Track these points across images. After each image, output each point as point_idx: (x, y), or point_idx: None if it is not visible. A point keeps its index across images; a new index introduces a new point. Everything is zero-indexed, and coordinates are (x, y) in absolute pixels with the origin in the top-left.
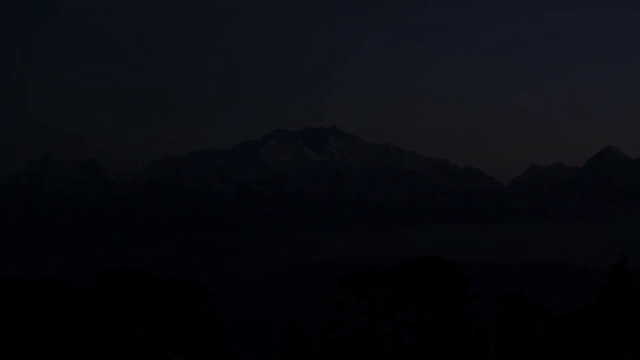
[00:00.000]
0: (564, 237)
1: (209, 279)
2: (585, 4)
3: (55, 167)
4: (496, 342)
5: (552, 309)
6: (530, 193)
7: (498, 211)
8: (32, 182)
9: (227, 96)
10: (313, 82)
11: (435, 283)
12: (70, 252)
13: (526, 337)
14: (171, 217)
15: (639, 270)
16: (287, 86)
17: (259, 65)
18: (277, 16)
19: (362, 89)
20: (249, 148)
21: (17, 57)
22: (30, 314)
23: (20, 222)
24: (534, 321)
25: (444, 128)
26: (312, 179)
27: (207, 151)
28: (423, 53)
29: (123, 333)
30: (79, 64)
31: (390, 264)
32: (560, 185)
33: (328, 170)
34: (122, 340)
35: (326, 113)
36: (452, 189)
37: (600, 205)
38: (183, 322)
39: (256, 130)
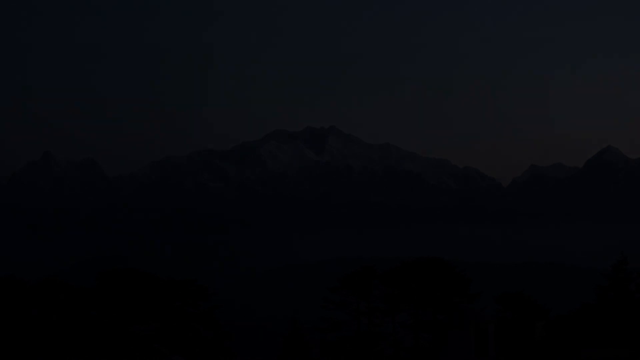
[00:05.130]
0: (564, 237)
1: (209, 279)
2: (584, 5)
3: (55, 167)
4: (496, 342)
5: (552, 309)
6: (530, 193)
7: (498, 211)
8: (32, 182)
9: (227, 96)
10: (313, 82)
11: (435, 283)
12: (70, 252)
13: (526, 337)
14: (171, 217)
15: (639, 270)
16: (286, 86)
17: (258, 65)
18: (278, 16)
19: (362, 88)
20: (249, 148)
21: (17, 57)
22: (30, 314)
23: (20, 222)
24: (534, 321)
25: (444, 128)
26: (312, 179)
27: (207, 151)
28: (423, 53)
29: (123, 333)
30: (79, 63)
31: (389, 264)
32: (560, 185)
33: (328, 171)
34: (122, 340)
35: (326, 113)
36: (452, 189)
37: (600, 205)
38: (183, 322)
39: (256, 130)
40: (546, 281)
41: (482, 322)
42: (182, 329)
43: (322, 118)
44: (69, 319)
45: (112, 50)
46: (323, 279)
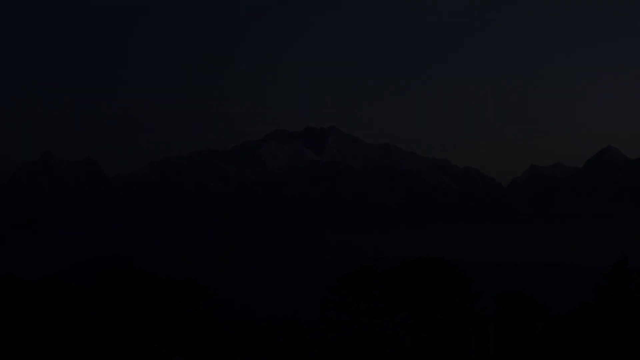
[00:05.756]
0: (564, 237)
1: (208, 279)
2: (584, 5)
3: (55, 167)
4: (496, 342)
5: (552, 309)
6: (530, 193)
7: (498, 211)
8: (32, 182)
9: (227, 96)
10: (313, 81)
11: (435, 283)
12: (70, 252)
13: (526, 337)
14: (171, 217)
15: (639, 270)
16: (286, 86)
17: (258, 64)
18: (276, 14)
19: (362, 88)
20: (249, 148)
21: (16, 57)
22: (30, 314)
23: (20, 222)
24: (534, 321)
25: (444, 128)
26: (312, 179)
27: (207, 151)
28: (423, 53)
29: (123, 333)
30: (79, 63)
31: (389, 264)
32: (560, 185)
33: (327, 171)
34: (122, 340)
35: (326, 113)
36: (452, 189)
37: (600, 205)
38: (183, 322)
39: (256, 130)
40: (546, 281)
41: (482, 322)
42: (182, 329)
43: (322, 118)
44: (69, 319)
45: (113, 51)
46: (323, 279)
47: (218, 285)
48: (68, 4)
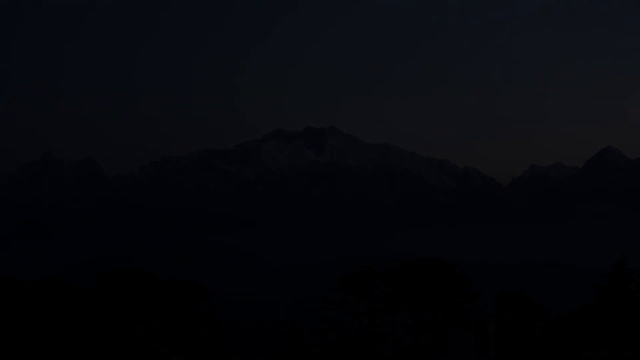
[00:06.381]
0: (564, 237)
1: (209, 279)
2: (585, 6)
3: (55, 167)
4: (496, 342)
5: (552, 309)
6: (530, 193)
7: (498, 211)
8: (32, 182)
9: (227, 96)
10: (312, 81)
11: (435, 283)
12: (70, 252)
13: (526, 337)
14: (171, 217)
15: (639, 270)
16: (286, 86)
17: (258, 64)
18: (278, 15)
19: (362, 88)
20: (249, 148)
21: (16, 57)
22: (30, 314)
23: (20, 222)
24: (534, 321)
25: (444, 128)
26: (312, 179)
27: (207, 151)
28: (423, 53)
29: (123, 333)
30: (78, 63)
31: (389, 265)
32: (560, 185)
33: (327, 171)
34: (122, 340)
35: (326, 113)
36: (452, 189)
37: (600, 205)
38: (183, 322)
39: (256, 130)
40: (546, 281)
41: (482, 322)
42: (182, 329)
43: (322, 118)
44: (69, 319)
45: (112, 52)
46: (323, 279)
47: (218, 285)
48: (72, 4)
